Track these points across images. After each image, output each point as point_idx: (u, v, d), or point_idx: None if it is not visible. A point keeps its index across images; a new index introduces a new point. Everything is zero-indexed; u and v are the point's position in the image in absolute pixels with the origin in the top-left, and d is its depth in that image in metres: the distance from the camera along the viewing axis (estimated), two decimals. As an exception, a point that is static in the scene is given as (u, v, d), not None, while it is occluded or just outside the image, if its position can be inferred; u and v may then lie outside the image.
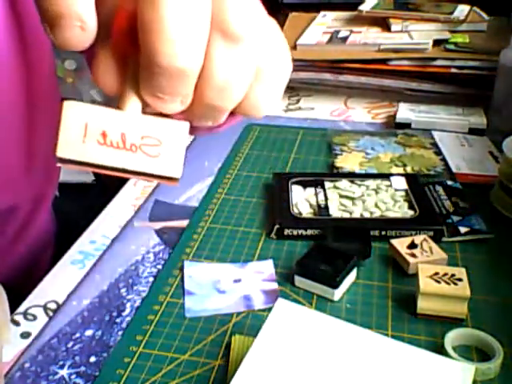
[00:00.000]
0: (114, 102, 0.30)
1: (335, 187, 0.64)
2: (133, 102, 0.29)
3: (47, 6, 0.26)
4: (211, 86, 0.29)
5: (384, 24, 0.97)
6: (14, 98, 0.57)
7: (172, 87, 0.28)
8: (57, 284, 0.54)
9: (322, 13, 1.09)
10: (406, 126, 0.80)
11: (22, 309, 0.51)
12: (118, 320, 0.50)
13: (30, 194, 0.66)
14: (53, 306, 0.52)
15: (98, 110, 0.28)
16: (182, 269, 0.55)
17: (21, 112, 0.58)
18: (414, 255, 0.53)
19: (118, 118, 0.28)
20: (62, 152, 0.28)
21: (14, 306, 0.51)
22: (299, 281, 0.52)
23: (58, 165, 0.28)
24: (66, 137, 0.28)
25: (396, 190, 0.63)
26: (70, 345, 0.47)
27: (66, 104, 0.28)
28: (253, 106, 0.31)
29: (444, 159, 0.71)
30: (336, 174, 0.68)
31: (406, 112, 0.81)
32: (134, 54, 0.28)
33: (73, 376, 0.45)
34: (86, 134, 0.28)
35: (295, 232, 0.58)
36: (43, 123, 0.61)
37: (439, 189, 0.64)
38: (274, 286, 0.52)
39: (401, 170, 0.69)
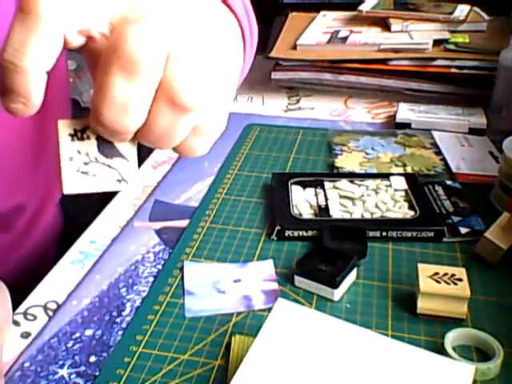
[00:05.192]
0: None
1: (335, 187, 0.64)
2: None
3: (2, 76, 0.29)
4: (150, 136, 0.33)
5: (384, 24, 0.97)
6: None
7: (110, 137, 0.33)
8: (57, 284, 0.54)
9: (322, 13, 1.09)
10: (406, 126, 0.80)
11: (22, 309, 0.51)
12: (117, 320, 0.50)
13: (37, 193, 0.67)
14: (53, 305, 0.52)
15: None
16: (181, 269, 0.55)
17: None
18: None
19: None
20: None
21: (17, 305, 0.51)
22: (299, 281, 0.52)
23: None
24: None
25: (395, 190, 0.63)
26: (69, 344, 0.47)
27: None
28: (186, 151, 0.36)
29: (444, 159, 0.71)
30: (336, 174, 0.69)
31: (405, 112, 0.81)
32: None
33: (73, 376, 0.45)
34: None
35: (296, 233, 0.58)
36: (52, 124, 0.61)
37: (439, 189, 0.64)
38: (274, 286, 0.52)
39: (401, 170, 0.69)
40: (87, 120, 0.33)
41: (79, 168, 0.33)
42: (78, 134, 0.33)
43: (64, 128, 0.33)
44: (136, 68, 0.30)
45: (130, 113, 0.31)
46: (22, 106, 0.30)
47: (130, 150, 0.34)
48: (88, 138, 0.33)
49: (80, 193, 0.34)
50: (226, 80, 0.36)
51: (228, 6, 0.44)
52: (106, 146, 0.34)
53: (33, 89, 0.30)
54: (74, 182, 0.33)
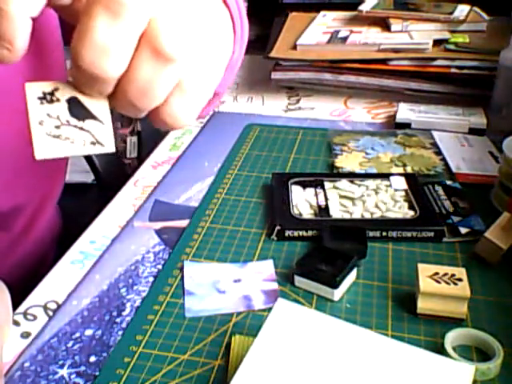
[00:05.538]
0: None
1: (335, 187, 0.64)
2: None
3: None
4: (131, 89, 0.32)
5: (384, 24, 0.97)
6: (23, 100, 0.57)
7: (89, 86, 0.32)
8: (57, 284, 0.54)
9: (322, 13, 1.09)
10: (406, 126, 0.80)
11: (22, 309, 0.51)
12: (117, 320, 0.50)
13: (36, 193, 0.67)
14: (53, 305, 0.52)
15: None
16: (181, 269, 0.55)
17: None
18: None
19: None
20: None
21: (17, 305, 0.51)
22: (299, 281, 0.52)
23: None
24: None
25: (395, 190, 0.63)
26: (69, 344, 0.47)
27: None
28: (170, 114, 0.34)
29: (444, 159, 0.71)
30: (336, 174, 0.69)
31: (405, 112, 0.81)
32: None
33: (73, 376, 0.45)
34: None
35: (296, 233, 0.58)
36: None
37: (439, 189, 0.64)
38: (274, 286, 0.52)
39: (401, 170, 0.69)
40: (56, 82, 0.32)
41: (50, 132, 0.33)
42: (48, 97, 0.33)
43: (32, 91, 0.32)
44: (120, 7, 0.30)
45: (110, 55, 0.30)
46: (7, 52, 0.30)
47: (103, 112, 0.33)
48: (58, 100, 0.33)
49: (53, 157, 0.33)
50: (213, 44, 0.35)
51: None
52: (78, 107, 0.33)
53: (17, 34, 0.30)
54: (46, 147, 0.33)
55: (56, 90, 0.32)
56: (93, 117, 0.33)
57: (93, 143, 0.33)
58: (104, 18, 0.30)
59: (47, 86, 0.33)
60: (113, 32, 0.30)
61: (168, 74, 0.32)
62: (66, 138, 0.33)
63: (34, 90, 0.32)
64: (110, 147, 0.34)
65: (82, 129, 0.33)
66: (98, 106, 0.33)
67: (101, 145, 0.33)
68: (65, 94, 0.33)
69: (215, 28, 0.37)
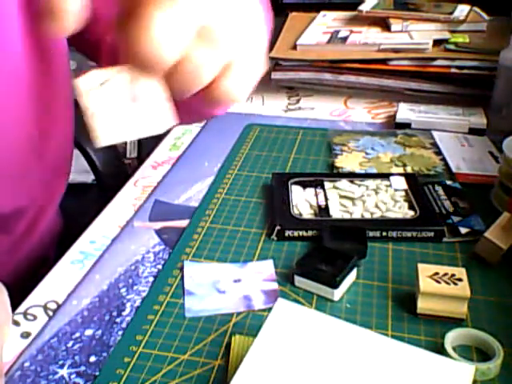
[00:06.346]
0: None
1: (335, 187, 0.64)
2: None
3: None
4: (180, 72, 0.33)
5: (384, 24, 0.97)
6: (28, 103, 0.57)
7: (143, 71, 0.32)
8: (57, 284, 0.54)
9: (322, 13, 1.09)
10: (406, 126, 0.80)
11: (21, 309, 0.51)
12: (117, 320, 0.50)
13: (38, 197, 0.67)
14: (53, 305, 0.52)
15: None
16: (182, 269, 0.55)
17: (34, 117, 0.58)
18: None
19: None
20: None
21: (16, 306, 0.51)
22: (299, 281, 0.52)
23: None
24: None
25: (395, 190, 0.63)
26: (69, 344, 0.47)
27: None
28: (223, 92, 0.35)
29: (444, 159, 0.71)
30: (336, 174, 0.69)
31: (405, 112, 0.81)
32: None
33: (73, 376, 0.45)
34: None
35: (296, 233, 0.58)
36: (55, 127, 0.62)
37: (439, 189, 0.64)
38: (274, 286, 0.52)
39: (401, 170, 0.69)
40: (106, 69, 0.32)
41: (109, 119, 0.33)
42: (101, 85, 0.33)
43: (84, 82, 0.32)
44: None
45: (168, 46, 0.31)
46: (59, 23, 0.30)
47: (156, 91, 0.34)
48: (112, 86, 0.33)
49: (115, 143, 0.33)
50: (254, 22, 0.37)
51: None
52: (132, 91, 0.33)
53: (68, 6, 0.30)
54: (107, 134, 0.33)
55: (107, 76, 0.33)
56: (149, 98, 0.33)
57: (153, 124, 0.34)
58: (164, 9, 0.30)
59: (99, 75, 0.33)
60: (174, 24, 0.31)
61: (217, 59, 0.33)
62: (126, 122, 0.33)
63: (87, 80, 0.32)
64: (169, 123, 0.34)
65: (140, 111, 0.33)
66: (151, 86, 0.33)
67: (161, 125, 0.34)
68: (117, 79, 0.33)
69: (254, 6, 0.39)
